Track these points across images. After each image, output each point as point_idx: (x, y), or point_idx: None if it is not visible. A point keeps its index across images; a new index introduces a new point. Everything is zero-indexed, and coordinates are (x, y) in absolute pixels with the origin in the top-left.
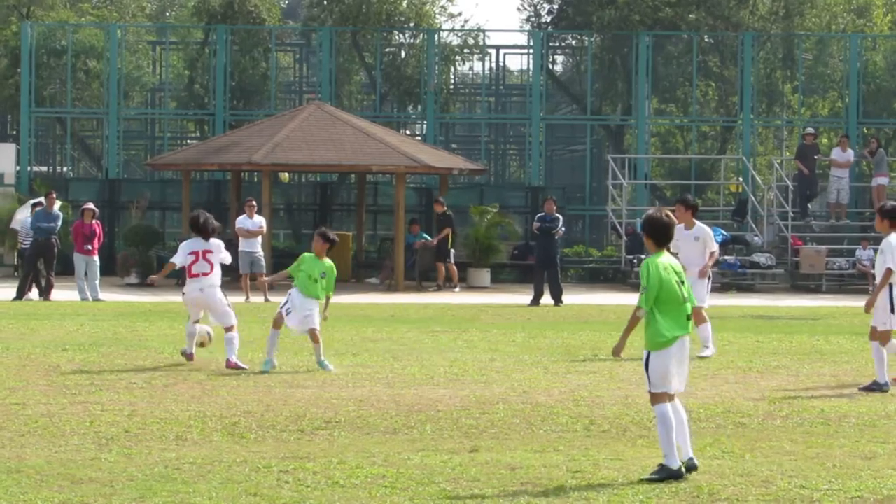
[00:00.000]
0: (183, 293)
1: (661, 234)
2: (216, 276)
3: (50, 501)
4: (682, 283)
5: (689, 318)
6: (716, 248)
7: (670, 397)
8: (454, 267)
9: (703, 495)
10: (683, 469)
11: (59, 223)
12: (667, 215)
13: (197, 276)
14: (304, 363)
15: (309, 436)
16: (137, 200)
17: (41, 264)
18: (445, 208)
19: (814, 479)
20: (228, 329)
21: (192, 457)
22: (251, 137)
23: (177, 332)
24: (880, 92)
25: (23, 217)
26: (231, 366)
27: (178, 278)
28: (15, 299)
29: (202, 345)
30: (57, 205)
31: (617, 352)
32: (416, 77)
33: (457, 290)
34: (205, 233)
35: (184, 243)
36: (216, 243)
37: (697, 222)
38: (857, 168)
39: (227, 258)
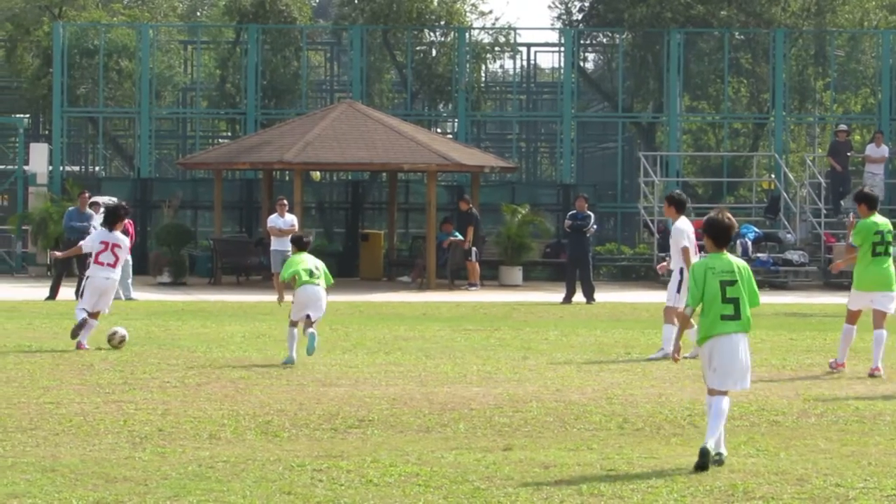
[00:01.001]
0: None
1: (719, 235)
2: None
3: (84, 500)
4: (734, 283)
5: (738, 317)
6: (684, 244)
7: (719, 392)
8: (476, 265)
9: (737, 493)
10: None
11: (93, 223)
12: (727, 217)
13: (102, 264)
14: (336, 361)
15: (342, 434)
16: (169, 200)
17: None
18: (470, 206)
19: (849, 478)
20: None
21: (225, 455)
22: (282, 136)
23: (210, 332)
24: None
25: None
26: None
27: (211, 277)
28: (48, 298)
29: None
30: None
31: (674, 354)
32: (447, 75)
33: (474, 289)
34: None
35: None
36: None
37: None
38: (890, 164)
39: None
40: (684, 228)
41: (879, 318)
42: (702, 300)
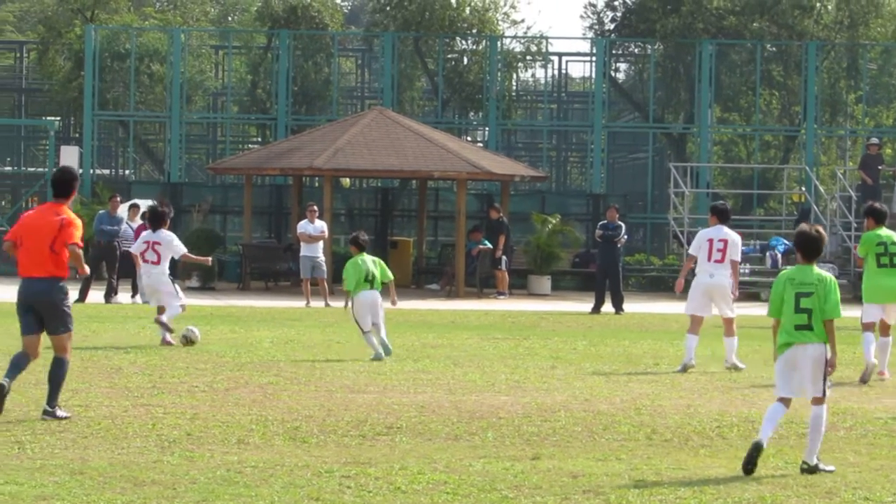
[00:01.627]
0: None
1: (806, 248)
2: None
3: (112, 503)
4: (809, 294)
5: (810, 327)
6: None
7: (787, 400)
8: (506, 274)
9: None
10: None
11: (123, 226)
12: (816, 231)
13: (147, 262)
14: (365, 368)
15: (370, 441)
16: (199, 204)
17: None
18: (500, 214)
19: (878, 491)
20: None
21: (253, 461)
22: (313, 142)
23: (238, 337)
24: None
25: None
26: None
27: (240, 282)
28: (77, 301)
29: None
30: (120, 208)
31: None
32: (478, 83)
33: (502, 297)
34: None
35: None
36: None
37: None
38: None
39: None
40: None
41: (886, 328)
42: (780, 311)
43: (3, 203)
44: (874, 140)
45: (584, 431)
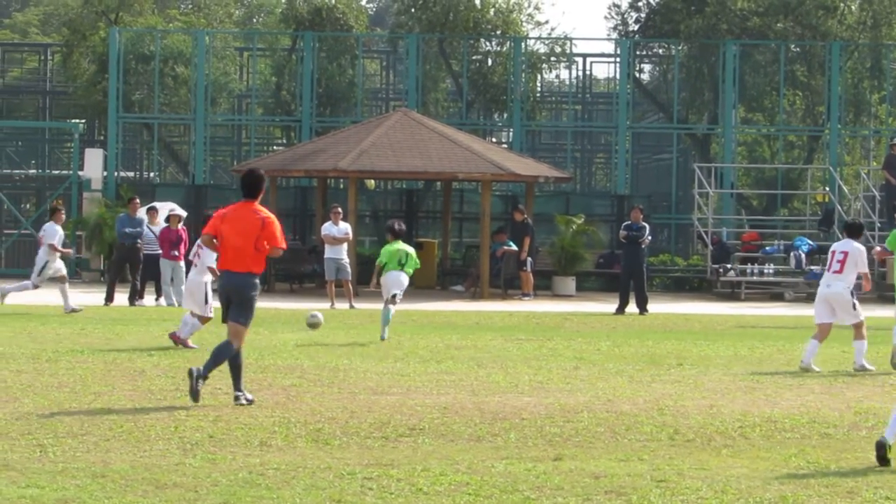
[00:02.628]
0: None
1: None
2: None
3: None
4: None
5: None
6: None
7: None
8: (531, 275)
9: None
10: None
11: (144, 228)
12: None
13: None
14: (388, 370)
15: (393, 443)
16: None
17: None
18: (525, 216)
19: None
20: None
21: (276, 463)
22: (337, 144)
23: (262, 339)
24: None
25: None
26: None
27: (265, 284)
28: (106, 303)
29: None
30: (141, 210)
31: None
32: (502, 85)
33: (527, 298)
34: None
35: None
36: None
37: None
38: None
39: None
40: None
41: None
42: None
43: (28, 206)
44: None
45: (606, 432)
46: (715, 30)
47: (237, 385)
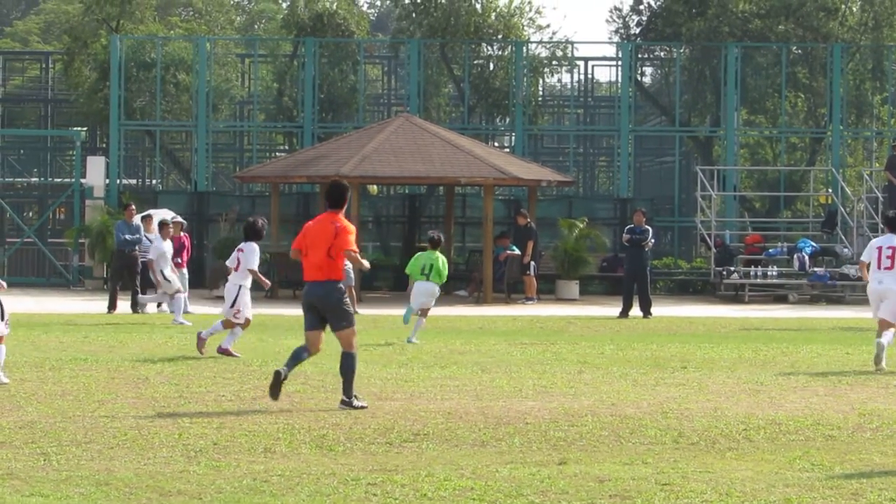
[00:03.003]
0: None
1: None
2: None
3: None
4: None
5: None
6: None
7: None
8: (534, 280)
9: None
10: None
11: (141, 234)
12: None
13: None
14: (392, 375)
15: (397, 448)
16: (226, 213)
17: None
18: (528, 220)
19: None
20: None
21: (280, 469)
22: (339, 150)
23: (266, 345)
24: None
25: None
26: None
27: (268, 291)
28: (109, 311)
29: None
30: (137, 217)
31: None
32: (504, 89)
33: (530, 303)
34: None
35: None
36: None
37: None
38: None
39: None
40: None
41: None
42: None
43: (31, 214)
44: None
45: (610, 436)
46: (716, 32)
47: (347, 392)
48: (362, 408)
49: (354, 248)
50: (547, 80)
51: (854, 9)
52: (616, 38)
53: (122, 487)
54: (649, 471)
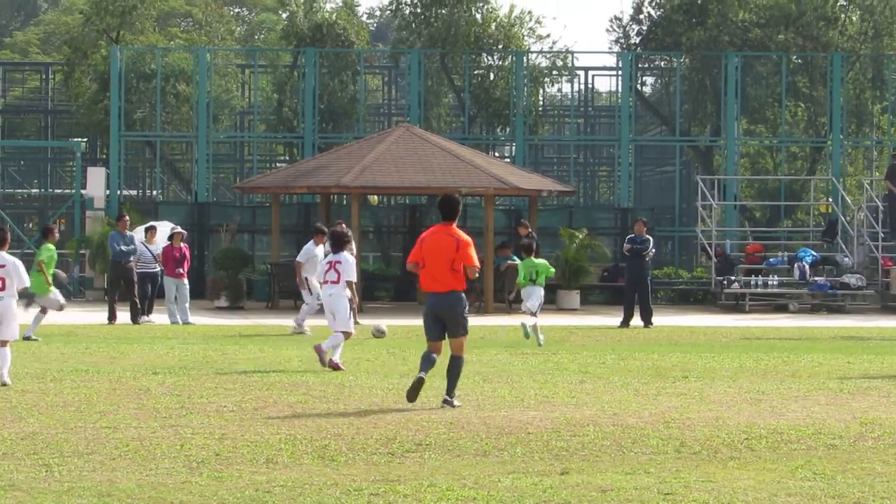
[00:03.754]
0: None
1: None
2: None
3: None
4: None
5: None
6: None
7: None
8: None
9: None
10: None
11: (137, 245)
12: None
13: (327, 282)
14: (394, 385)
15: (399, 458)
16: (227, 224)
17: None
18: (529, 230)
19: None
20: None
21: (282, 480)
22: (340, 160)
23: (267, 356)
24: None
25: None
26: (331, 364)
27: (269, 301)
28: (109, 322)
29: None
30: (137, 230)
31: None
32: (504, 99)
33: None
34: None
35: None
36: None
37: None
38: None
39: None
40: None
41: None
42: None
43: (31, 225)
44: None
45: (612, 445)
46: (716, 42)
47: (449, 392)
48: (458, 406)
49: (476, 263)
50: (547, 90)
51: (854, 18)
52: (616, 48)
53: (124, 499)
54: (651, 480)
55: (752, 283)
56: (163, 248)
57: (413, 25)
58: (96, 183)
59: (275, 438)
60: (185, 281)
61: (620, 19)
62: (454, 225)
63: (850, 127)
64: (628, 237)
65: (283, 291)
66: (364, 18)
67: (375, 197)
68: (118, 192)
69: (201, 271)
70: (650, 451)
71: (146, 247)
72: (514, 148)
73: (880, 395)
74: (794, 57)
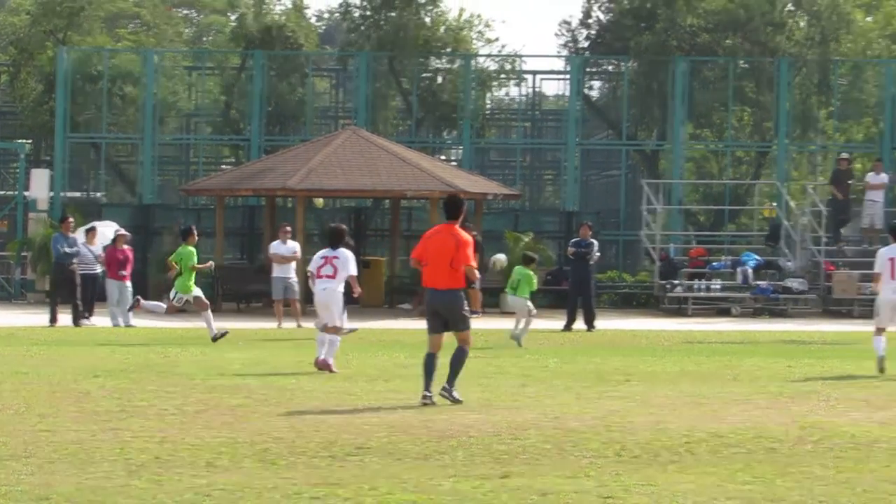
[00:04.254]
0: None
1: None
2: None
3: None
4: None
5: None
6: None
7: None
8: (479, 293)
9: None
10: None
11: (79, 247)
12: None
13: (322, 277)
14: (335, 389)
15: (340, 462)
16: (172, 226)
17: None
18: (474, 234)
19: None
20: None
21: (222, 483)
22: (286, 163)
23: (209, 359)
24: None
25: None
26: (321, 364)
27: (212, 304)
28: (51, 324)
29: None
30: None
31: None
32: (452, 102)
33: (475, 316)
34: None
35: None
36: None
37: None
38: (891, 192)
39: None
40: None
41: None
42: None
43: None
44: (844, 155)
45: (553, 449)
46: (664, 46)
47: (450, 382)
48: (459, 401)
49: (474, 263)
50: (495, 94)
51: (801, 24)
52: (564, 52)
53: (62, 502)
54: (592, 484)
55: (695, 286)
56: (106, 249)
57: (362, 28)
58: (40, 185)
59: (215, 442)
60: (128, 283)
61: (569, 23)
62: (457, 224)
63: (795, 132)
64: (573, 241)
65: (227, 294)
66: (313, 21)
67: (321, 200)
68: (62, 194)
69: (144, 274)
70: (591, 455)
71: (87, 248)
72: (461, 151)
73: (820, 398)
74: (742, 62)
